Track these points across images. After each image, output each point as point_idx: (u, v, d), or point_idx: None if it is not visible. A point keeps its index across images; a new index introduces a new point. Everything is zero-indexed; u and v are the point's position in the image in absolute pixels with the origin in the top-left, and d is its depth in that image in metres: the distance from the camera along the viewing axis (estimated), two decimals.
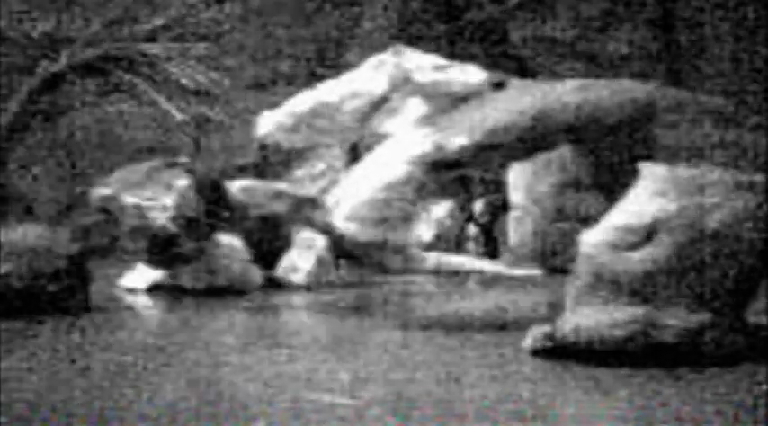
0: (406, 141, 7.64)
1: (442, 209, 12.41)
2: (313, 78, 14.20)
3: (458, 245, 11.61)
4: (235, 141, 13.93)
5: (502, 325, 7.45)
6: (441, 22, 13.97)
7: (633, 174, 6.31)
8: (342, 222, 7.77)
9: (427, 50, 10.34)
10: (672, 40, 13.55)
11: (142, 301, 8.96)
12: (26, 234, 8.08)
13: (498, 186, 11.76)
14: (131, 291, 9.33)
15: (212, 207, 9.33)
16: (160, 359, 6.18)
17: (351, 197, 7.72)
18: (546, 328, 6.11)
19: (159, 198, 9.14)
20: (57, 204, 13.44)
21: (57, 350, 6.47)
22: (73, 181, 13.70)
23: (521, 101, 7.85)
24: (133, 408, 4.87)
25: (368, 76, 8.29)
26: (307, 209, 9.98)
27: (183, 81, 12.34)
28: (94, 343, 6.73)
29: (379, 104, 8.17)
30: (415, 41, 13.52)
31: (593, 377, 5.58)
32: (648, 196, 6.11)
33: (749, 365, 5.71)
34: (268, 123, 8.40)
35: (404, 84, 8.20)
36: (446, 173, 7.55)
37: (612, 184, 6.60)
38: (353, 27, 14.37)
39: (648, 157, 6.92)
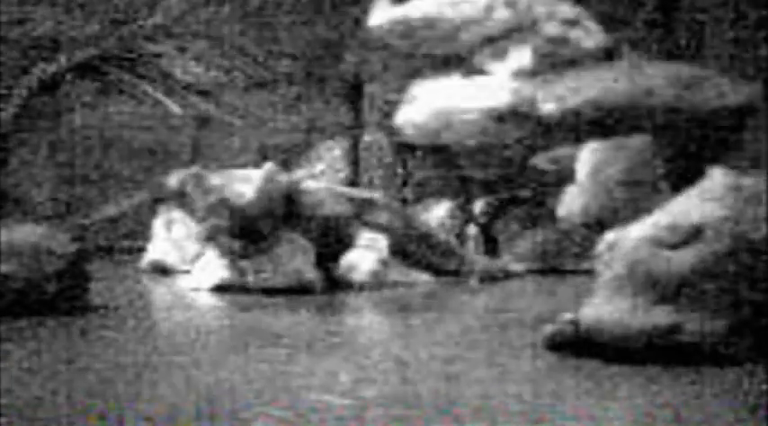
0: (490, 87, 7.59)
1: (442, 209, 12.42)
2: (313, 78, 14.22)
3: (459, 245, 11.61)
4: (235, 141, 13.94)
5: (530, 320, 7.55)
6: None
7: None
8: (403, 122, 7.79)
9: None
10: (672, 40, 13.54)
11: (210, 301, 9.05)
12: (26, 234, 8.08)
13: (498, 186, 11.77)
14: (195, 290, 9.42)
15: (285, 204, 9.60)
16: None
17: (416, 105, 7.74)
18: (565, 322, 6.09)
19: (238, 185, 9.53)
20: (57, 204, 13.44)
21: (57, 350, 6.47)
22: (73, 181, 13.71)
23: (620, 80, 7.73)
24: (133, 408, 4.87)
25: (494, 9, 8.12)
26: (367, 211, 10.19)
27: (183, 79, 12.35)
28: (94, 343, 6.73)
29: (491, 41, 8.07)
30: None
31: (598, 375, 5.58)
32: (701, 199, 6.08)
33: (749, 365, 5.71)
34: (379, 18, 8.29)
35: (526, 30, 8.04)
36: (522, 126, 7.49)
37: (683, 183, 6.52)
38: (353, 27, 14.36)
39: (725, 163, 6.86)
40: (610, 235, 6.26)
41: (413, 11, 8.23)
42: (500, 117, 7.42)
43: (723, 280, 5.83)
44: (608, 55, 8.25)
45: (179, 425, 4.60)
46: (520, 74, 7.79)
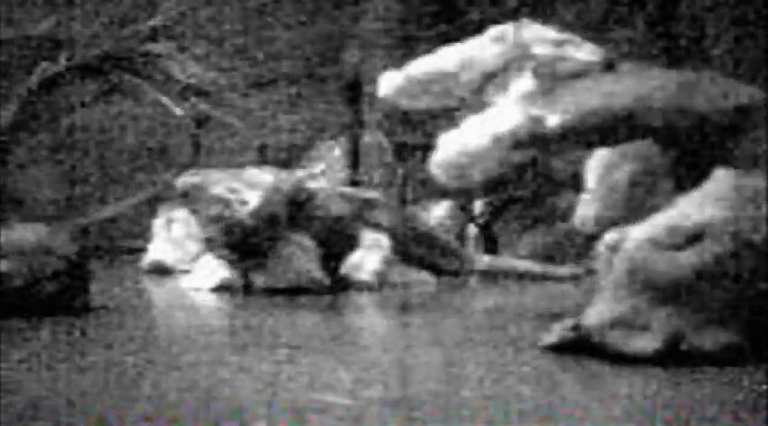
0: (500, 116, 7.75)
1: (442, 209, 12.42)
2: (313, 78, 14.21)
3: (459, 245, 11.61)
4: (235, 141, 13.94)
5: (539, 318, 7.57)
6: (441, 22, 13.97)
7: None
8: (434, 167, 8.04)
9: (426, 51, 10.29)
10: (672, 40, 13.55)
11: (211, 301, 9.04)
12: (26, 234, 8.07)
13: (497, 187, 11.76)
14: (195, 290, 9.41)
15: (292, 207, 9.59)
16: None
17: (442, 148, 7.95)
18: (567, 329, 6.07)
19: (243, 192, 9.43)
20: (57, 204, 13.44)
21: (57, 350, 6.46)
22: (73, 181, 13.70)
23: (621, 87, 7.82)
24: (133, 408, 4.87)
25: (486, 47, 8.38)
26: (367, 211, 10.21)
27: (183, 79, 12.35)
28: (94, 343, 6.72)
29: (492, 76, 8.26)
30: (414, 41, 13.52)
31: (598, 375, 5.58)
32: (704, 200, 6.02)
33: (749, 365, 5.71)
34: (388, 85, 8.60)
35: (520, 58, 8.26)
36: (533, 150, 7.60)
37: (690, 185, 6.55)
38: (353, 27, 14.36)
39: (731, 163, 6.87)
40: (609, 236, 6.26)
41: (413, 72, 8.54)
42: (515, 143, 7.59)
43: (725, 282, 5.79)
44: (607, 67, 8.42)
45: (179, 425, 4.60)
46: (525, 98, 7.98)
